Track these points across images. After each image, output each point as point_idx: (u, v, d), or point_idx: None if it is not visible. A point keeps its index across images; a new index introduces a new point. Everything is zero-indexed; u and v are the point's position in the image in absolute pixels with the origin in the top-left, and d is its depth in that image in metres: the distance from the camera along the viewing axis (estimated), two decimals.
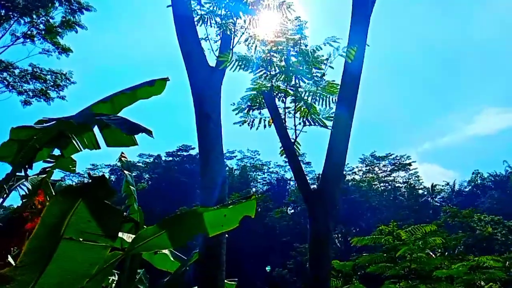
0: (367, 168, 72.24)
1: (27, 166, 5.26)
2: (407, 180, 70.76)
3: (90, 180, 3.04)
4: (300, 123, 7.23)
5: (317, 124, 7.15)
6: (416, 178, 70.90)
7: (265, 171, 74.07)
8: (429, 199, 70.29)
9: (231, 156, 71.44)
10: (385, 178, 71.10)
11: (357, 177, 70.97)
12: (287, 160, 7.22)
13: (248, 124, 7.78)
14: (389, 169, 71.39)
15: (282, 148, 7.21)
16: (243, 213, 3.61)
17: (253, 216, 3.62)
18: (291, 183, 71.21)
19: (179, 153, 69.74)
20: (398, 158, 70.68)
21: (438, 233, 14.16)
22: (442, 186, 73.31)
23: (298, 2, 10.11)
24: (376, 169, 72.24)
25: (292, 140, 7.11)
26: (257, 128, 7.73)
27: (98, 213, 3.02)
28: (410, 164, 70.13)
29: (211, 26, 10.11)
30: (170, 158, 69.75)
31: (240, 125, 7.82)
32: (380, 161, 71.74)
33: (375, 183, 69.52)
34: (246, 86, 8.13)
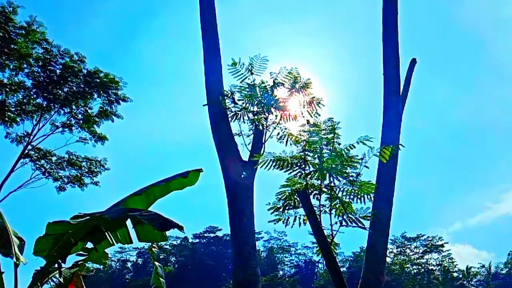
0: (398, 250, 69.61)
1: (60, 261, 5.32)
2: (440, 262, 67.64)
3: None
4: (336, 222, 7.16)
5: (354, 224, 7.06)
6: (450, 260, 67.75)
7: (293, 252, 72.22)
8: (465, 282, 66.52)
9: (257, 237, 70.32)
10: (418, 261, 68.11)
11: (388, 259, 68.19)
12: (324, 262, 7.06)
13: (283, 222, 7.74)
14: (421, 250, 68.63)
15: (318, 248, 7.10)
16: None
17: None
18: (320, 265, 68.90)
19: (205, 234, 69.10)
20: (429, 239, 68.18)
21: None
22: (478, 268, 69.71)
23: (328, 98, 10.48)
24: (408, 250, 69.54)
25: (329, 240, 7.01)
26: (292, 226, 7.69)
27: None
28: (442, 245, 67.43)
29: (244, 122, 10.48)
30: (197, 240, 69.07)
31: (275, 223, 7.79)
32: (411, 243, 69.23)
33: (407, 265, 66.57)
34: (279, 177, 8.21)
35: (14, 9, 19.21)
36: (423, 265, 68.00)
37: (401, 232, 69.33)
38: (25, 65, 20.30)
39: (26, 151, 21.31)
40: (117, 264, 70.16)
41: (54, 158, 21.88)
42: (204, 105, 10.34)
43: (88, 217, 5.09)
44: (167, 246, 67.83)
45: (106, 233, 5.63)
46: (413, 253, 69.36)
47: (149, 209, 6.72)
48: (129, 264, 70.32)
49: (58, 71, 20.66)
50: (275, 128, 10.60)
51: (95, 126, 21.70)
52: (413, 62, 8.38)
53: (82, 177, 22.13)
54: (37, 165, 21.77)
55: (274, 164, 7.43)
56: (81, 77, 20.82)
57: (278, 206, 7.59)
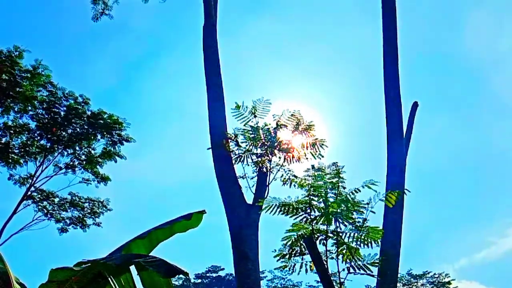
0: None
1: None
2: None
3: None
4: (344, 269, 7.05)
5: (362, 271, 6.94)
6: None
7: None
8: None
9: (261, 277, 69.10)
10: None
11: None
12: None
13: (289, 269, 7.63)
14: None
15: None
16: None
17: None
18: None
19: (208, 274, 67.80)
20: (436, 276, 66.81)
21: None
22: None
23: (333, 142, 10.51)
24: None
25: None
26: (298, 273, 7.57)
27: None
28: (449, 282, 65.95)
29: (248, 165, 10.50)
30: (199, 281, 67.66)
31: (281, 270, 7.68)
32: (417, 280, 67.76)
33: None
34: (285, 219, 8.12)
35: (20, 53, 19.59)
36: None
37: (407, 269, 68.04)
38: (29, 108, 20.52)
39: (29, 193, 21.25)
40: None
41: (56, 199, 21.79)
42: (208, 149, 10.40)
43: (91, 264, 5.04)
44: None
45: (109, 279, 5.56)
46: None
47: (152, 252, 6.68)
48: None
49: (62, 113, 20.86)
50: (279, 170, 10.61)
51: (98, 166, 21.71)
52: (415, 105, 8.48)
53: (84, 218, 21.97)
54: (40, 207, 21.65)
55: (278, 209, 7.39)
56: (85, 118, 20.97)
57: (284, 253, 7.50)
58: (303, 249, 7.44)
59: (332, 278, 7.01)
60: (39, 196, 21.59)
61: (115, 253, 6.17)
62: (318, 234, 7.39)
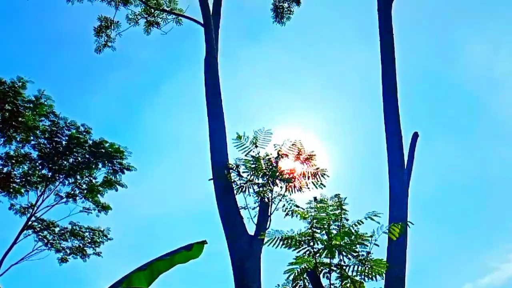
0: None
1: None
2: None
3: None
4: None
5: None
6: None
7: None
8: None
9: None
10: None
11: None
12: None
13: None
14: None
15: None
16: None
17: None
18: None
19: None
20: None
21: None
22: None
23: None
24: None
25: None
26: None
27: None
28: None
29: (250, 195, 10.46)
30: None
31: None
32: None
33: None
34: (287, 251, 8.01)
35: (23, 84, 19.75)
36: None
37: None
38: (31, 137, 20.55)
39: (30, 222, 21.05)
40: None
41: (57, 229, 21.54)
42: (210, 179, 10.39)
43: None
44: None
45: None
46: None
47: (153, 284, 6.60)
48: None
49: (64, 142, 20.85)
50: (280, 200, 10.55)
51: (98, 195, 21.57)
52: (415, 135, 8.49)
53: (85, 248, 21.70)
54: (40, 237, 21.41)
55: (281, 242, 7.31)
56: (86, 147, 20.95)
57: None
58: (306, 283, 7.33)
59: None
60: (40, 225, 21.39)
61: (116, 285, 6.10)
62: (322, 268, 7.29)
